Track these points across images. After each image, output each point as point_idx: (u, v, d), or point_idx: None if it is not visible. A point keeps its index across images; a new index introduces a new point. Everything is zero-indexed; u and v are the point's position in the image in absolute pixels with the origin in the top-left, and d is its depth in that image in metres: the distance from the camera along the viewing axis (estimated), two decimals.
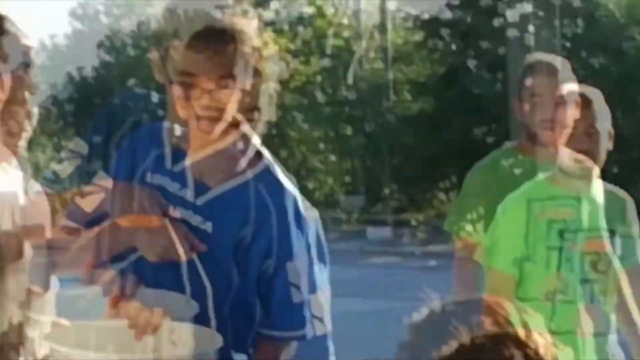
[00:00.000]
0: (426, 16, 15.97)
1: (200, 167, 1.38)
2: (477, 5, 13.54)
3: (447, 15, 15.01)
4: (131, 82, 18.22)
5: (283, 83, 1.56)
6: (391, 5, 17.87)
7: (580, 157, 1.72)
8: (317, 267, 1.41)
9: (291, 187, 1.40)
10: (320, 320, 1.40)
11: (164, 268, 1.32)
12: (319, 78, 16.76)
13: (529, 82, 1.90)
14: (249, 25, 1.34)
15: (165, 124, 1.46)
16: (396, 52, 16.49)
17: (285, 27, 19.09)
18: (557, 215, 1.70)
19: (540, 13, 12.54)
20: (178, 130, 1.42)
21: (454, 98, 14.04)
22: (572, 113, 1.83)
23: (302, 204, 1.40)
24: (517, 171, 1.97)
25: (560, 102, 1.82)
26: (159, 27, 1.34)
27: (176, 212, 1.35)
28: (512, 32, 12.15)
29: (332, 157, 15.90)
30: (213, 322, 1.30)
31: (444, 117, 14.14)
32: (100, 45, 20.26)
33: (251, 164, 1.38)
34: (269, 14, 20.04)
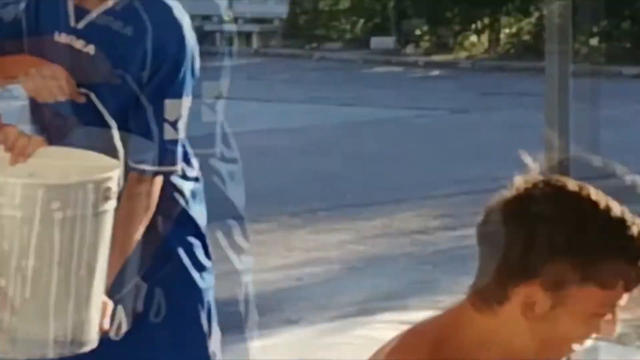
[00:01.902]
0: None
1: None
2: None
3: None
4: None
5: None
6: None
7: None
8: (188, 75, 1.38)
9: (174, 6, 1.39)
10: (173, 125, 1.36)
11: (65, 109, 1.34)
12: None
13: None
14: None
15: None
16: None
17: None
18: None
19: None
20: None
21: None
22: None
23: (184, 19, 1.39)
24: None
25: None
26: None
27: (61, 37, 1.35)
28: None
29: None
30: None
31: None
32: None
33: None
34: None
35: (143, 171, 1.34)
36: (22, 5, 1.35)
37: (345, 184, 6.05)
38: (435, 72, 12.64)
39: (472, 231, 0.79)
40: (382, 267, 4.59)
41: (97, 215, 0.98)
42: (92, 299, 1.00)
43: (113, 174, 1.03)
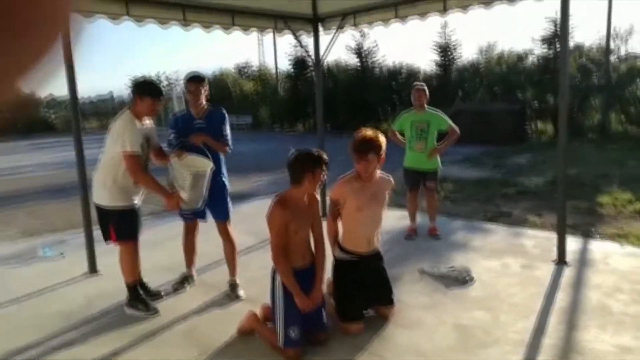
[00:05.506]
0: None
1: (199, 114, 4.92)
2: None
3: None
4: None
5: None
6: None
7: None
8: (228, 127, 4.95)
9: (224, 111, 5.00)
10: (225, 136, 4.92)
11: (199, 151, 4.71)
12: None
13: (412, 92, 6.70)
14: None
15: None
16: None
17: None
18: (413, 118, 6.71)
19: None
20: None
21: None
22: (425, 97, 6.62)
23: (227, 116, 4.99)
24: (409, 113, 6.78)
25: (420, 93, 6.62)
26: None
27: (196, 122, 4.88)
28: None
29: None
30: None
31: None
32: None
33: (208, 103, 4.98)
34: None
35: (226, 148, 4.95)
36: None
37: None
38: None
39: None
40: None
41: (208, 176, 4.62)
42: (203, 195, 4.64)
43: (211, 165, 4.62)
